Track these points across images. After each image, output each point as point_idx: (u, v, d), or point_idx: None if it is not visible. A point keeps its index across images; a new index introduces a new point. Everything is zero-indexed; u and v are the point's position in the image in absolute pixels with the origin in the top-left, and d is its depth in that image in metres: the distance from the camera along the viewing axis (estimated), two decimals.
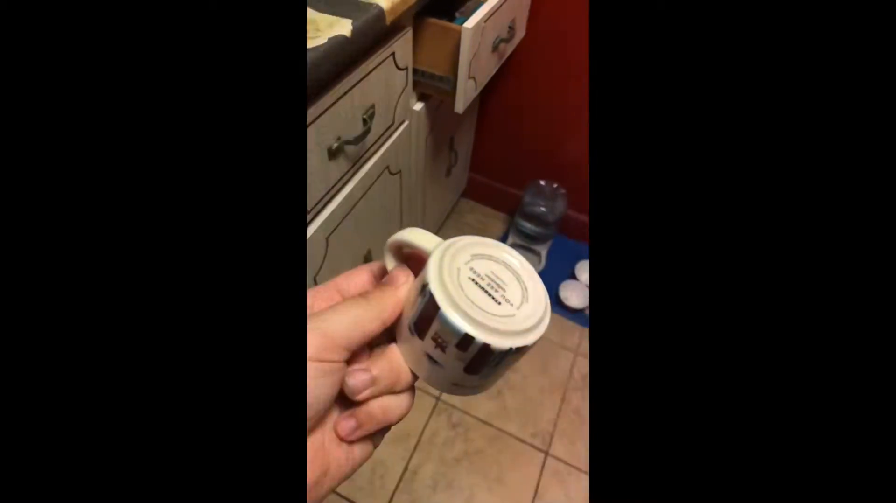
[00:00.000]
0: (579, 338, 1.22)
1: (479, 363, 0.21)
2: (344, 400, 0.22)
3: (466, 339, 0.20)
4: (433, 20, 0.74)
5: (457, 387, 0.23)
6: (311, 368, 0.20)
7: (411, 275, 0.24)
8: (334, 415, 0.23)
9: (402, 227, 1.01)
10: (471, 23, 0.70)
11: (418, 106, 0.85)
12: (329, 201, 0.68)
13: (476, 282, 0.21)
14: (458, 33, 0.71)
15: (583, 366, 1.17)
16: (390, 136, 0.79)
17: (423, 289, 0.21)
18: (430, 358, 0.21)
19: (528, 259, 0.24)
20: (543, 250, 1.34)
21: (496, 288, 0.22)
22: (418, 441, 1.04)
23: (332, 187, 0.66)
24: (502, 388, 1.12)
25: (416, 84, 0.82)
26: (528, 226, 1.30)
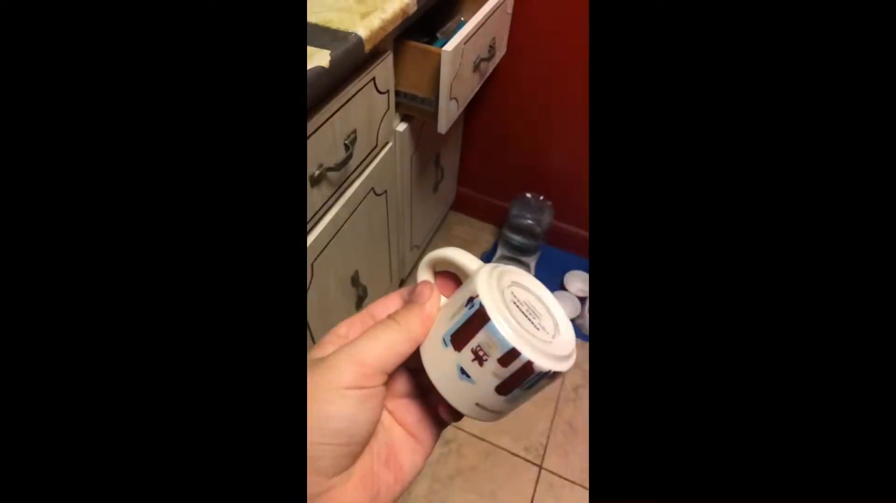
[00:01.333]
0: None
1: (513, 383, 0.21)
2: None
3: (512, 354, 0.20)
4: (413, 43, 0.75)
5: (478, 409, 0.22)
6: (352, 396, 0.21)
7: (436, 290, 0.24)
8: (381, 439, 0.24)
9: (390, 245, 1.01)
10: (450, 46, 0.71)
11: (402, 127, 0.86)
12: (312, 228, 0.68)
13: (518, 307, 0.22)
14: (438, 56, 0.72)
15: (574, 377, 1.18)
16: (374, 158, 0.79)
17: (470, 301, 0.21)
18: (462, 371, 0.21)
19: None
20: (532, 262, 1.34)
21: (534, 315, 0.22)
22: None
23: (316, 214, 0.67)
24: None
25: (398, 105, 0.82)
26: (516, 238, 1.31)
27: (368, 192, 0.80)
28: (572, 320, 1.26)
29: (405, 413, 0.25)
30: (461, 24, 0.94)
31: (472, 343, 0.21)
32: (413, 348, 0.23)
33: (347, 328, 0.25)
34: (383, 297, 0.27)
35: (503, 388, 0.21)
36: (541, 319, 0.23)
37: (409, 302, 0.24)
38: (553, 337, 0.22)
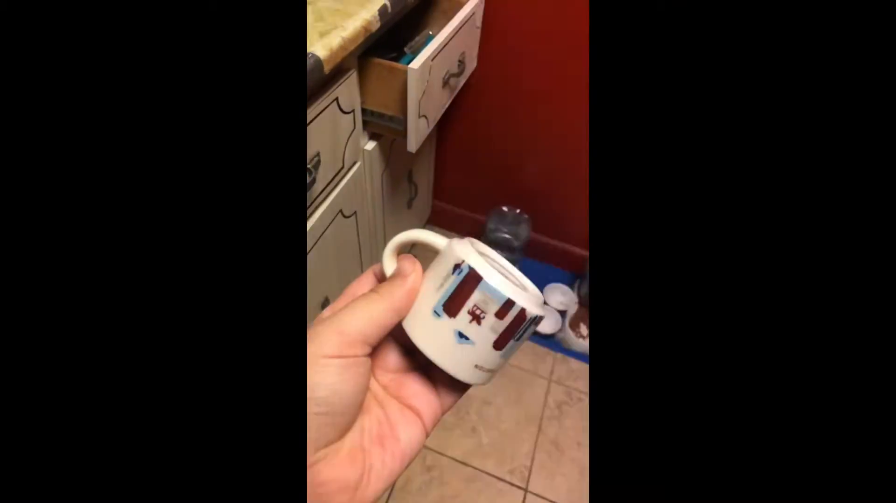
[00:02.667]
0: (552, 364, 1.21)
1: (508, 334, 0.23)
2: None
3: (507, 305, 0.22)
4: (378, 61, 0.72)
5: (477, 371, 0.24)
6: (334, 365, 0.20)
7: (418, 265, 0.24)
8: (374, 415, 0.24)
9: (362, 266, 0.98)
10: (416, 63, 0.68)
11: (370, 145, 0.82)
12: None
13: (492, 267, 0.23)
14: (405, 73, 0.69)
15: (557, 393, 1.15)
16: (341, 180, 0.75)
17: (457, 268, 0.23)
18: (460, 335, 0.23)
19: None
20: None
21: (505, 276, 0.23)
22: (391, 490, 0.99)
23: None
24: (477, 425, 1.09)
25: (366, 124, 0.79)
26: None
27: (336, 215, 0.77)
28: (552, 335, 1.25)
29: (400, 386, 0.25)
30: (429, 39, 0.92)
31: (468, 304, 0.22)
32: (396, 320, 0.23)
33: (331, 313, 0.24)
34: (357, 279, 0.27)
35: (500, 342, 0.23)
36: (510, 278, 0.24)
37: (392, 276, 0.24)
38: (525, 289, 0.24)
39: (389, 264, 0.26)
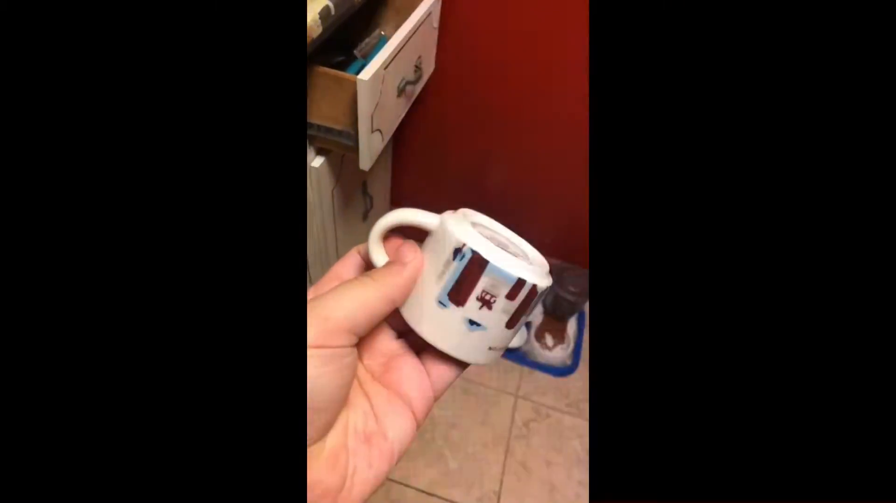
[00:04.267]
0: (518, 379, 1.16)
1: (520, 312, 0.22)
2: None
3: (518, 285, 0.21)
4: (323, 70, 0.63)
5: (490, 352, 0.23)
6: (315, 356, 0.18)
7: (419, 253, 0.22)
8: (359, 406, 0.21)
9: (310, 285, 0.89)
10: (367, 73, 0.60)
11: (318, 161, 0.73)
12: None
13: (491, 242, 0.22)
14: (354, 85, 0.61)
15: (524, 410, 1.11)
16: None
17: (458, 252, 0.21)
18: (471, 323, 0.21)
19: None
20: None
21: (505, 246, 0.22)
22: None
23: None
24: (443, 450, 1.04)
25: (312, 139, 0.70)
26: None
27: None
28: (517, 349, 1.21)
29: (389, 370, 0.23)
30: (382, 40, 0.83)
31: (477, 291, 0.21)
32: (389, 309, 0.21)
33: (313, 293, 0.22)
34: (340, 261, 0.25)
35: (512, 322, 0.22)
36: (510, 248, 0.23)
37: (389, 263, 0.22)
38: (526, 258, 0.23)
39: (377, 252, 0.24)
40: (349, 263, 0.25)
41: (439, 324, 0.22)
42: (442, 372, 0.24)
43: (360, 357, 0.23)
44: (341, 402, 0.20)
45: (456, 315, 0.21)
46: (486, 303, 0.21)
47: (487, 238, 0.22)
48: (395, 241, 0.24)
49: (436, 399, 0.23)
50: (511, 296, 0.21)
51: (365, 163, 0.69)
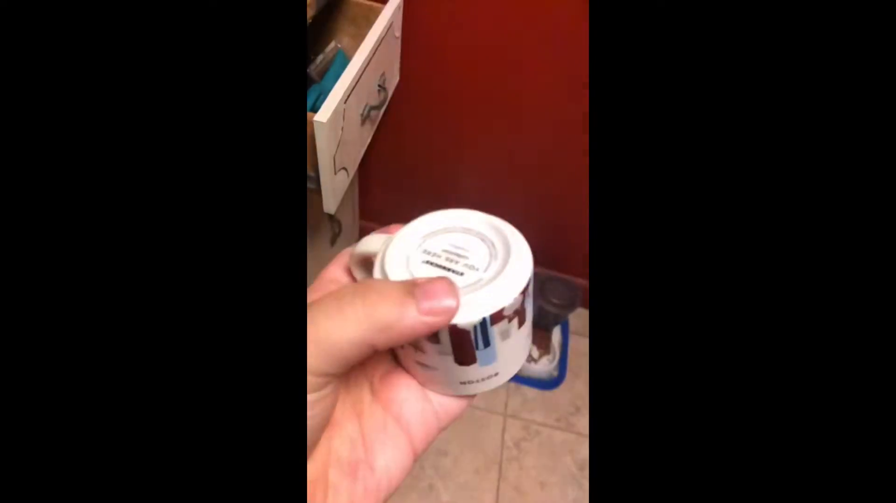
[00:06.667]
0: (507, 397, 1.13)
1: (465, 350, 0.19)
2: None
3: (433, 337, 0.19)
4: None
5: (470, 385, 0.21)
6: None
7: (458, 298, 0.18)
8: (345, 429, 0.19)
9: None
10: (325, 113, 0.52)
11: None
12: None
13: (431, 263, 0.20)
14: (311, 125, 0.52)
15: (514, 429, 1.08)
16: None
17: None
18: (421, 365, 0.20)
19: None
20: None
21: (455, 260, 0.20)
22: None
23: None
24: (434, 481, 0.99)
25: None
26: None
27: None
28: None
29: (389, 387, 0.20)
30: (339, 55, 0.73)
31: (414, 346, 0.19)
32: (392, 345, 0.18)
33: (310, 295, 0.21)
34: (326, 269, 0.23)
35: (462, 359, 0.19)
36: (468, 257, 0.20)
37: (419, 288, 0.19)
38: (487, 268, 0.20)
39: (359, 275, 0.23)
40: (336, 270, 0.23)
41: (404, 362, 0.21)
42: (443, 401, 0.21)
43: (361, 365, 0.20)
44: (318, 435, 0.18)
45: (409, 357, 0.20)
46: (419, 348, 0.19)
47: (441, 250, 0.20)
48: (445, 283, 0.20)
49: (439, 430, 0.21)
50: (433, 340, 0.19)
51: (329, 205, 0.61)
